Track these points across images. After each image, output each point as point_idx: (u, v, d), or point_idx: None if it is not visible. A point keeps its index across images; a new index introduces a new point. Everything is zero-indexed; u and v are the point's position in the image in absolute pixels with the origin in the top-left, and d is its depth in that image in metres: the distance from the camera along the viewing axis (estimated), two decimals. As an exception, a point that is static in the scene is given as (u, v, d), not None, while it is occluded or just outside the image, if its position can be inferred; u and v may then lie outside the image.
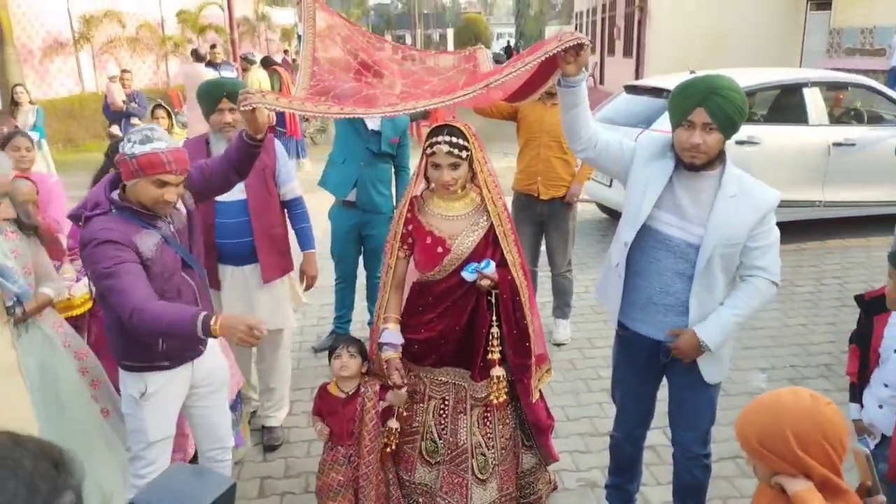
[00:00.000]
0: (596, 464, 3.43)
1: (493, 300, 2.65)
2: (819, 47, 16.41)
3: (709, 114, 2.29)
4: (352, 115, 2.31)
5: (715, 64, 11.26)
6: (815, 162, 6.56)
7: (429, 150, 2.57)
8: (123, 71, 10.94)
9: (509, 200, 4.72)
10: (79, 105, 14.48)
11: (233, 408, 3.32)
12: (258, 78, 10.44)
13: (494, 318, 2.65)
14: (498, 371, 2.64)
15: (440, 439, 2.76)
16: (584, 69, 2.35)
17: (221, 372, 2.75)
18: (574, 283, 4.96)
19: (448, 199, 2.66)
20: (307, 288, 3.82)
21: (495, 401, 2.66)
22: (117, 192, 2.37)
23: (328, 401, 2.83)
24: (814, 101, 6.70)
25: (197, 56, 11.58)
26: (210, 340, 2.64)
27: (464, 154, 2.55)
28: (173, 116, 6.50)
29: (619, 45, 21.48)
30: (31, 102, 8.74)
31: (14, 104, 8.59)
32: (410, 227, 2.69)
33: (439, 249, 2.63)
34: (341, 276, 4.64)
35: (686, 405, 2.71)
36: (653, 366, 2.69)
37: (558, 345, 4.81)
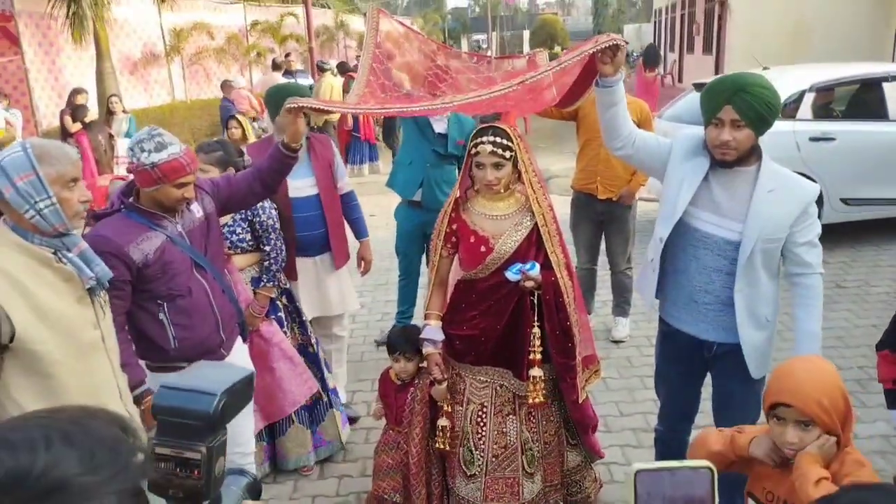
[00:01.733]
0: (646, 458, 3.46)
1: (536, 301, 2.65)
2: (914, 39, 15.54)
3: (736, 111, 2.31)
4: (388, 113, 2.39)
5: (798, 59, 10.86)
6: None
7: (473, 150, 2.61)
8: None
9: (569, 200, 4.85)
10: (169, 113, 15.31)
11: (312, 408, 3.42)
12: (331, 84, 10.79)
13: (536, 318, 2.66)
14: (536, 371, 2.66)
15: (476, 450, 2.77)
16: (620, 70, 2.40)
17: None
18: (634, 281, 4.96)
19: (492, 198, 2.67)
20: (364, 272, 4.13)
21: (531, 401, 2.68)
22: (132, 198, 2.43)
23: (386, 385, 3.03)
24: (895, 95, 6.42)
25: (275, 65, 12.07)
26: (238, 346, 2.68)
27: (507, 154, 2.58)
28: (245, 125, 6.84)
29: (699, 41, 20.93)
30: (123, 111, 9.35)
31: (109, 113, 9.21)
32: (455, 227, 2.73)
33: (482, 249, 2.66)
34: (404, 272, 4.81)
35: (732, 400, 2.70)
36: (696, 362, 2.71)
37: (617, 342, 4.84)
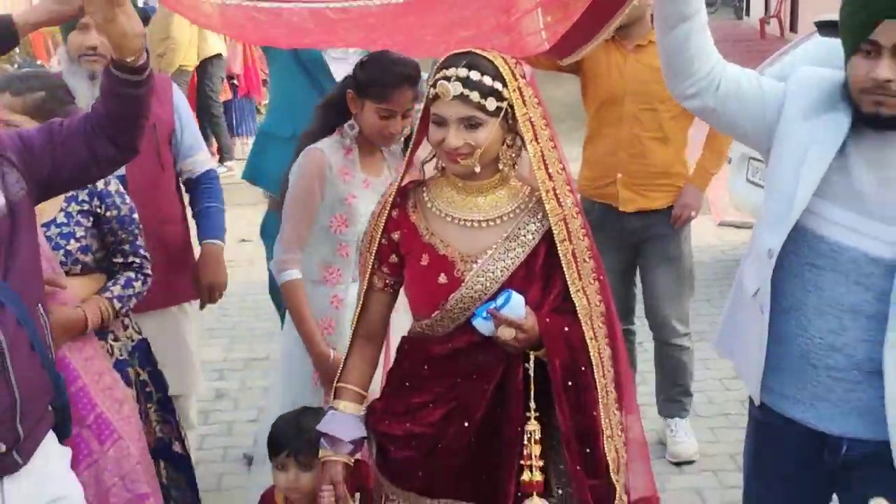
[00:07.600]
0: None
1: (532, 372, 1.84)
2: None
3: None
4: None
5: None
6: None
7: (431, 92, 1.82)
8: None
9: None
10: None
11: None
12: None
13: (533, 404, 1.86)
14: (536, 502, 1.95)
15: None
16: None
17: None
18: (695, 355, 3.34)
19: (466, 187, 1.89)
20: (207, 300, 2.74)
21: None
22: None
23: None
24: None
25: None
26: (49, 451, 1.88)
27: (491, 105, 1.75)
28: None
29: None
30: None
31: None
32: (397, 235, 1.95)
33: (442, 279, 1.90)
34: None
35: None
36: (814, 472, 1.85)
37: (679, 464, 3.23)
